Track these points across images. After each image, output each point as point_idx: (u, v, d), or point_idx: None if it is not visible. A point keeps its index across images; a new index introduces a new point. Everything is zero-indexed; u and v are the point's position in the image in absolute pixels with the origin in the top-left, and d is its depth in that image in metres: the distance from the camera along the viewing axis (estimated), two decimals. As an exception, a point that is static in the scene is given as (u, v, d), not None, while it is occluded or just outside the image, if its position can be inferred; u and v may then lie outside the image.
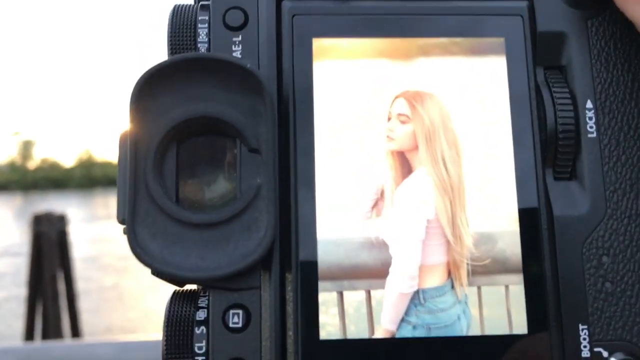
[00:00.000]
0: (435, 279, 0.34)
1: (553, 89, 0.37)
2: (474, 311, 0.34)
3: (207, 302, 0.35)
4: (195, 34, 0.37)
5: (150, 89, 0.35)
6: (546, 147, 0.36)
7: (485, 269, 0.34)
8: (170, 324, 0.34)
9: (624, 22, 0.38)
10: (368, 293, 0.34)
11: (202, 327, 0.34)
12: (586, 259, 0.35)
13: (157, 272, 0.34)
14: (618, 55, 0.38)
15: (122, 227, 0.34)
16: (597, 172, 0.36)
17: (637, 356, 0.34)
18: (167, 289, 0.37)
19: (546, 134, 0.36)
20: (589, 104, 0.37)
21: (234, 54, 0.36)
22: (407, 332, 0.33)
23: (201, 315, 0.34)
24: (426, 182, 0.35)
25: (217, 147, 0.36)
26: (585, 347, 0.34)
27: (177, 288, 0.36)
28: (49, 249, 5.13)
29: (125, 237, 0.34)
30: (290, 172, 0.35)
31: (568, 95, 0.37)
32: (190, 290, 0.36)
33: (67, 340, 4.31)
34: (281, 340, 0.33)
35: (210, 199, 0.36)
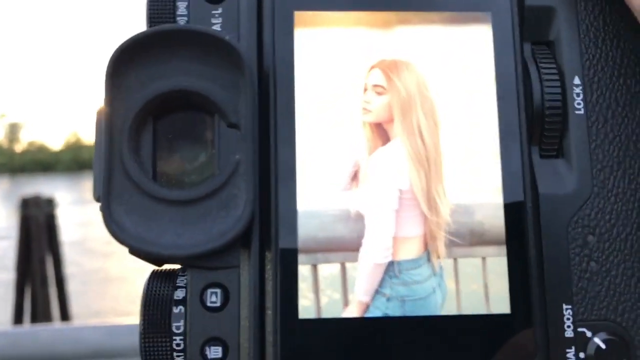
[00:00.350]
0: (411, 251, 0.33)
1: (540, 65, 0.36)
2: (450, 284, 0.33)
3: (185, 281, 0.34)
4: (175, 7, 0.36)
5: (126, 61, 0.34)
6: (532, 124, 0.35)
7: (462, 241, 0.34)
8: (148, 303, 0.34)
9: None
10: (343, 265, 0.33)
11: (180, 307, 0.33)
12: (571, 238, 0.35)
13: (133, 250, 0.33)
14: (607, 31, 0.37)
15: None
16: (584, 150, 0.36)
17: (620, 336, 0.34)
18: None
19: (532, 111, 0.36)
20: (577, 80, 0.36)
21: (214, 27, 0.35)
22: (380, 304, 0.33)
23: (179, 294, 0.34)
24: (400, 152, 0.34)
25: (195, 122, 0.35)
26: (569, 327, 0.34)
27: (156, 268, 0.36)
28: (37, 232, 5.12)
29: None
30: (270, 147, 0.34)
31: (555, 71, 0.36)
32: (169, 269, 0.36)
33: (56, 324, 4.31)
34: (260, 319, 0.33)
35: (188, 175, 0.35)
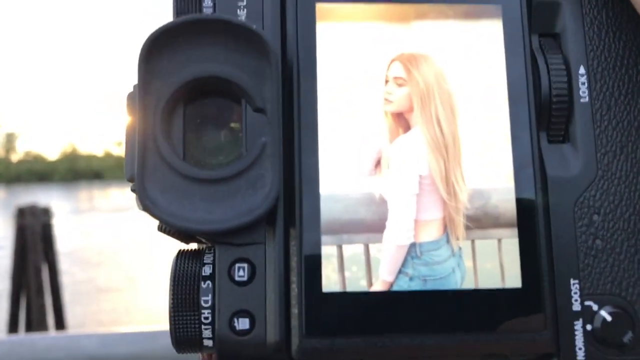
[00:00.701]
0: (431, 233, 0.35)
1: (547, 56, 0.38)
2: (468, 264, 0.35)
3: (212, 258, 0.35)
4: None
5: (158, 49, 0.35)
6: (540, 112, 0.38)
7: (479, 224, 0.35)
8: (177, 280, 0.35)
9: None
10: (366, 246, 0.35)
11: (208, 282, 0.35)
12: (578, 218, 0.37)
13: (164, 225, 0.35)
14: (610, 23, 0.39)
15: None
16: (588, 135, 0.38)
17: (624, 309, 0.36)
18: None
19: (540, 99, 0.38)
20: (582, 70, 0.38)
21: (239, 18, 0.37)
22: (403, 283, 0.34)
23: (207, 270, 0.35)
24: (419, 140, 0.36)
25: (223, 108, 0.37)
26: (576, 300, 0.36)
27: (182, 247, 0.37)
28: (33, 241, 5.10)
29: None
30: (294, 131, 0.35)
31: (562, 62, 0.38)
32: (195, 249, 0.37)
33: (51, 332, 4.28)
34: (285, 292, 0.34)
35: (215, 157, 0.36)
